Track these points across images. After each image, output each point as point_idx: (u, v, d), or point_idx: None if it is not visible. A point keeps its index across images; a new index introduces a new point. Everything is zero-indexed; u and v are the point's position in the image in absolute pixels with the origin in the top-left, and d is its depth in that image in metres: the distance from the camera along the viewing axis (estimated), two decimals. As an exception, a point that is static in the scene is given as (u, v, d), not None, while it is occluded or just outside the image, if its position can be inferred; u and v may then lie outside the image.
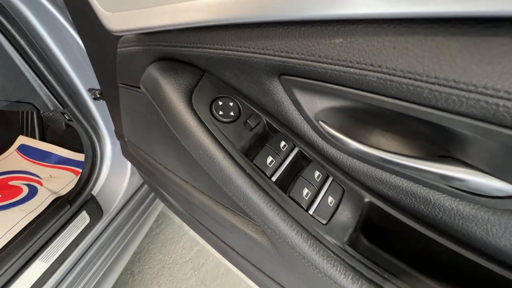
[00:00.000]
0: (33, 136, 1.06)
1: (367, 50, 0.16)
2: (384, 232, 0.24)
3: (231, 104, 0.25)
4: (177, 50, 0.24)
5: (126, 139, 0.44)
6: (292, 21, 0.18)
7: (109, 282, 0.82)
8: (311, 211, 0.22)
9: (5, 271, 0.62)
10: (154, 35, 0.26)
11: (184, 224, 1.10)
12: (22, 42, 0.51)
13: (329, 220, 0.22)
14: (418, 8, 0.13)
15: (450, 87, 0.13)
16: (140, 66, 0.28)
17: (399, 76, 0.15)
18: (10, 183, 0.89)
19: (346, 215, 0.23)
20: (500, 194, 0.16)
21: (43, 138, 1.06)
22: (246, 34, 0.20)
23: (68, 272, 0.72)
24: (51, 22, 0.50)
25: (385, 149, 0.19)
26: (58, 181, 0.90)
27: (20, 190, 0.86)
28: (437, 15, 0.13)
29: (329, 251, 0.21)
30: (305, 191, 0.23)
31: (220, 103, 0.25)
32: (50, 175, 0.93)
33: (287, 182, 0.24)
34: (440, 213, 0.20)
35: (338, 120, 0.21)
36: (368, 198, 0.23)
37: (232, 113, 0.25)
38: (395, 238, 0.24)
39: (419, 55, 0.14)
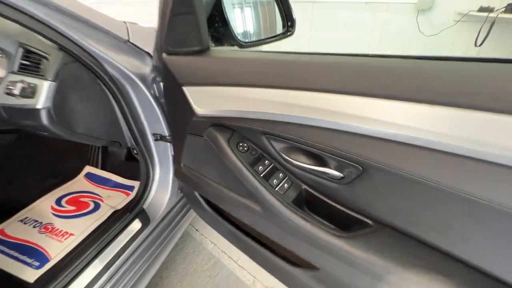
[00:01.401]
0: (96, 165, 1.40)
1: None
2: (309, 203, 0.51)
3: (245, 145, 0.55)
4: (222, 122, 0.56)
5: (182, 164, 0.75)
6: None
7: (144, 282, 1.05)
8: (276, 189, 0.50)
9: (77, 264, 0.80)
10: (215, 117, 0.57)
11: (203, 241, 1.34)
12: (122, 103, 0.84)
13: (284, 193, 0.50)
14: None
15: None
16: (205, 127, 0.59)
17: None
18: (81, 199, 1.20)
19: (292, 193, 0.50)
20: (338, 178, 0.44)
21: (103, 168, 1.40)
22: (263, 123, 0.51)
23: (117, 270, 0.93)
24: (142, 94, 0.85)
25: (304, 163, 0.47)
26: (114, 200, 1.20)
27: (88, 204, 1.17)
28: None
29: (284, 202, 0.48)
30: (275, 181, 0.51)
31: (240, 144, 0.55)
32: (108, 195, 1.23)
33: (268, 177, 0.52)
34: (328, 189, 0.47)
35: (289, 151, 0.50)
36: (303, 186, 0.51)
37: (246, 149, 0.55)
38: (314, 205, 0.50)
39: None
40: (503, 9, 2.57)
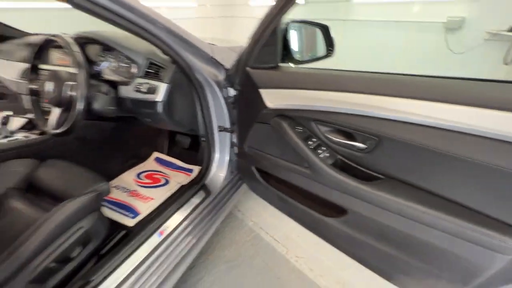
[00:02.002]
0: (162, 152, 1.76)
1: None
2: (341, 168, 0.76)
3: (300, 128, 0.82)
4: (285, 113, 0.83)
5: (246, 146, 1.04)
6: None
7: (203, 242, 1.29)
8: (321, 155, 0.76)
9: (159, 219, 1.06)
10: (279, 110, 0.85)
11: (245, 219, 1.61)
12: (202, 101, 1.15)
13: (325, 159, 0.76)
14: None
15: None
16: (271, 116, 0.87)
17: None
18: (154, 176, 1.54)
19: (330, 160, 0.76)
20: (362, 148, 0.69)
21: (168, 154, 1.75)
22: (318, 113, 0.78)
23: (185, 228, 1.21)
24: (215, 96, 1.15)
25: (339, 139, 0.73)
26: (179, 178, 1.52)
27: (160, 180, 1.50)
28: None
29: (326, 164, 0.74)
30: (319, 152, 0.77)
31: (297, 127, 0.82)
32: (174, 175, 1.57)
33: (315, 149, 0.78)
34: (354, 157, 0.72)
35: (329, 132, 0.77)
36: (338, 156, 0.76)
37: (300, 131, 0.81)
38: (345, 169, 0.75)
39: None
40: (534, 30, 2.65)
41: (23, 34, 1.66)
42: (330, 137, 0.76)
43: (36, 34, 1.63)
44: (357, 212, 0.72)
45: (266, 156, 0.95)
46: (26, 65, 1.37)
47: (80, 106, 0.89)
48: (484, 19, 3.13)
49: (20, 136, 1.23)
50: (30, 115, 1.39)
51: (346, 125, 0.71)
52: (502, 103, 0.48)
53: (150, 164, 1.67)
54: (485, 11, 3.08)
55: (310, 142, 0.79)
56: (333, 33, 0.97)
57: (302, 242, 1.44)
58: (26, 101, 1.38)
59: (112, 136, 1.63)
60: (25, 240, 0.78)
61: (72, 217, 0.86)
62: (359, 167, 0.73)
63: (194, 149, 1.68)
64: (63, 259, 0.85)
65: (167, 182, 1.48)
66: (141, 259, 0.95)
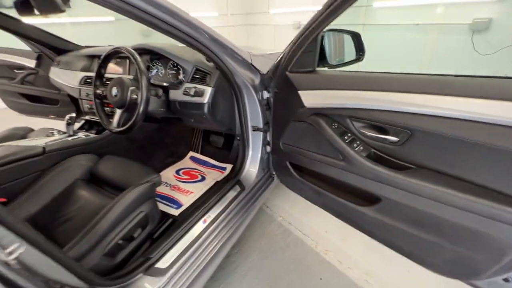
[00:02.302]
0: (197, 151, 1.90)
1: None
2: (375, 160, 0.84)
3: (336, 125, 0.91)
4: (321, 111, 0.93)
5: (281, 143, 1.14)
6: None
7: (237, 234, 1.39)
8: (356, 148, 0.84)
9: (187, 223, 1.14)
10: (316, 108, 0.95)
11: (274, 215, 1.70)
12: (240, 103, 1.27)
13: (360, 152, 0.84)
14: None
15: None
16: (308, 115, 0.97)
17: None
18: (191, 172, 1.68)
19: (364, 153, 0.84)
20: (394, 142, 0.77)
21: (201, 153, 1.89)
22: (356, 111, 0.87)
23: (222, 221, 1.30)
24: (251, 98, 1.27)
25: (372, 133, 0.82)
26: (213, 175, 1.65)
27: (197, 176, 1.64)
28: None
29: (361, 156, 0.83)
30: (354, 145, 0.85)
31: (333, 124, 0.91)
32: (209, 172, 1.70)
33: (350, 143, 0.87)
34: (386, 150, 0.80)
35: (363, 127, 0.85)
36: (372, 150, 0.84)
37: (336, 127, 0.90)
38: (378, 161, 0.83)
39: None
40: None
41: (77, 47, 1.88)
42: (364, 131, 0.85)
43: (89, 47, 1.85)
44: (391, 199, 0.80)
45: (302, 151, 1.05)
46: (86, 74, 1.57)
47: (143, 107, 1.04)
48: (512, 20, 3.06)
49: (81, 135, 1.41)
50: (88, 117, 1.59)
51: (379, 121, 0.79)
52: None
53: (186, 162, 1.81)
54: (514, 11, 3.02)
55: (345, 137, 0.88)
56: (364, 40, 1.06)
57: (330, 237, 1.50)
58: (85, 104, 1.57)
59: (153, 136, 1.80)
60: (100, 220, 0.93)
61: (135, 202, 1.00)
62: (391, 158, 0.81)
63: (227, 149, 1.81)
64: (128, 238, 0.99)
65: (203, 178, 1.62)
66: (189, 242, 1.07)
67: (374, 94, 0.79)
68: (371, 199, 0.88)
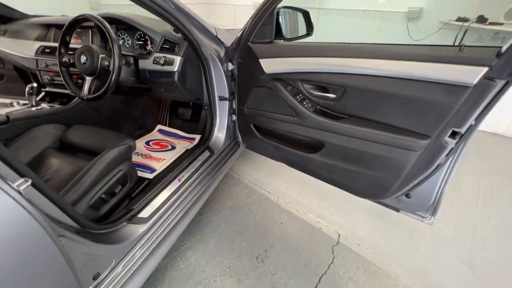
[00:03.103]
0: (164, 124, 1.97)
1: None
2: (320, 113, 1.06)
3: (290, 87, 1.09)
4: (279, 77, 1.11)
5: (246, 107, 1.31)
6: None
7: (207, 194, 1.55)
8: (305, 106, 1.05)
9: (163, 182, 1.29)
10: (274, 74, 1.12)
11: (240, 178, 1.90)
12: (207, 73, 1.39)
13: (310, 107, 1.05)
14: None
15: None
16: (268, 80, 1.14)
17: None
18: (161, 143, 1.76)
19: (312, 108, 1.06)
20: (333, 98, 1.00)
21: (169, 124, 1.96)
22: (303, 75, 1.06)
23: (193, 182, 1.47)
24: (217, 69, 1.39)
25: (317, 92, 1.03)
26: (183, 144, 1.76)
27: (167, 146, 1.73)
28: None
29: (309, 111, 1.05)
30: (304, 103, 1.06)
31: (288, 86, 1.09)
32: (178, 142, 1.80)
33: (301, 102, 1.07)
34: (328, 105, 1.03)
35: (311, 88, 1.06)
36: (318, 106, 1.06)
37: (290, 89, 1.09)
38: (322, 114, 1.06)
39: None
40: (475, 20, 3.13)
41: (25, 15, 1.76)
42: (312, 92, 1.06)
43: (38, 16, 1.74)
44: (331, 142, 1.04)
45: (263, 113, 1.24)
46: (43, 43, 1.51)
47: (115, 74, 1.10)
48: (439, 10, 3.58)
49: (45, 105, 1.39)
50: (48, 88, 1.55)
51: (322, 81, 1.01)
52: (415, 57, 0.80)
53: (155, 134, 1.88)
54: (440, 2, 3.52)
55: (297, 97, 1.08)
56: (312, 18, 1.26)
57: (290, 192, 1.76)
58: (44, 76, 1.53)
59: (120, 108, 1.82)
60: (82, 176, 1.01)
61: (114, 161, 1.09)
62: (331, 112, 1.04)
63: (195, 121, 1.92)
64: (110, 193, 1.09)
65: (174, 148, 1.72)
66: (167, 196, 1.20)
67: (318, 60, 0.99)
68: (317, 147, 1.12)
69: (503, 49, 0.64)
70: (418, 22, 3.81)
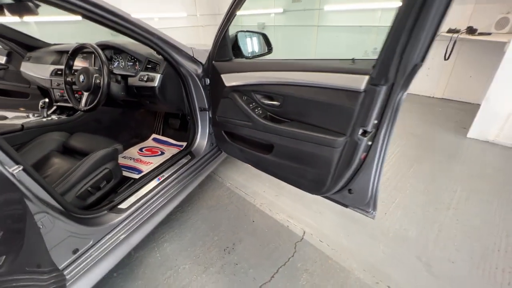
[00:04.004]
0: (158, 133, 2.22)
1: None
2: (269, 118, 1.23)
3: (245, 97, 1.28)
4: (236, 89, 1.30)
5: (217, 116, 1.51)
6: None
7: (187, 191, 1.75)
8: (257, 113, 1.23)
9: (144, 180, 1.56)
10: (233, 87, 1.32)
11: (223, 182, 2.07)
12: (187, 88, 1.62)
13: (260, 115, 1.23)
14: None
15: None
16: (229, 92, 1.34)
17: None
18: (153, 149, 2.00)
19: (263, 115, 1.23)
20: (277, 105, 1.17)
21: (163, 134, 2.21)
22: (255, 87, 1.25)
23: (174, 180, 1.66)
24: (196, 84, 1.62)
25: (266, 101, 1.21)
26: (172, 151, 1.99)
27: (157, 151, 1.96)
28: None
29: (261, 118, 1.21)
30: (256, 111, 1.23)
31: (243, 97, 1.28)
32: (168, 149, 2.03)
33: (254, 110, 1.24)
34: (274, 111, 1.20)
35: (261, 98, 1.24)
36: (268, 113, 1.23)
37: (245, 98, 1.28)
38: (271, 119, 1.23)
39: None
40: (465, 31, 3.20)
41: (46, 44, 2.13)
42: (263, 101, 1.24)
43: (58, 44, 2.10)
44: (279, 143, 1.20)
45: (229, 120, 1.43)
46: (56, 67, 1.83)
47: (105, 89, 1.35)
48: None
49: (54, 117, 1.68)
50: (59, 104, 1.85)
51: (267, 91, 1.19)
52: (325, 69, 0.96)
53: (149, 142, 2.13)
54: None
55: (251, 105, 1.26)
56: (271, 37, 1.46)
57: (266, 195, 1.90)
58: (56, 93, 1.84)
59: (119, 119, 2.09)
60: (73, 171, 1.24)
61: (100, 160, 1.32)
62: (277, 117, 1.21)
63: (184, 130, 2.15)
64: (96, 187, 1.31)
65: (163, 153, 1.95)
66: (146, 192, 1.40)
67: (264, 73, 1.18)
68: (269, 148, 1.28)
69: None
70: (411, 35, 3.89)
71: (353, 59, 0.90)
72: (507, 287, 1.22)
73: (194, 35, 6.49)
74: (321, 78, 0.96)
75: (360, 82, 0.83)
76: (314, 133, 1.03)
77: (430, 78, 3.81)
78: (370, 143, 0.97)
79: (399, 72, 0.75)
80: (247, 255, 1.43)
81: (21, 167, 0.82)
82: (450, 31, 3.29)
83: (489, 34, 2.94)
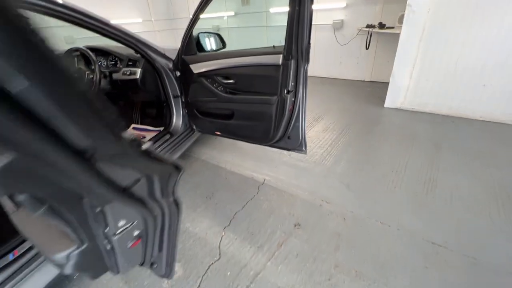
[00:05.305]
0: (137, 122, 2.58)
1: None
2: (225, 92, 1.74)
3: (209, 80, 1.76)
4: (202, 74, 1.78)
5: (189, 98, 1.97)
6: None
7: None
8: (220, 89, 1.74)
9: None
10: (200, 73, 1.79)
11: (198, 157, 2.53)
12: (161, 80, 2.06)
13: (222, 90, 1.73)
14: None
15: None
16: (197, 77, 1.80)
17: None
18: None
19: (225, 90, 1.73)
20: (233, 83, 1.69)
21: (140, 122, 2.57)
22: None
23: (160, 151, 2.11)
24: (168, 76, 2.06)
25: (226, 81, 1.71)
26: (151, 135, 2.38)
27: (140, 137, 2.34)
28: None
29: (223, 92, 1.72)
30: (219, 88, 1.74)
31: (208, 79, 1.76)
32: (148, 134, 2.41)
33: (217, 88, 1.75)
34: (222, 87, 1.72)
35: (222, 78, 1.75)
36: (228, 90, 1.74)
37: (210, 81, 1.77)
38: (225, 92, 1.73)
39: None
40: (377, 26, 4.05)
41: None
42: (223, 81, 1.74)
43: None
44: (237, 109, 1.71)
45: (199, 99, 1.90)
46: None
47: (97, 83, 1.73)
48: (355, 20, 4.50)
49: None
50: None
51: (226, 73, 1.69)
52: (261, 53, 1.50)
53: (129, 132, 2.49)
54: (355, 15, 4.45)
55: (214, 85, 1.76)
56: (226, 38, 1.97)
57: (235, 160, 2.41)
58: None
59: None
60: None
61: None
62: (234, 91, 1.72)
63: (160, 117, 2.55)
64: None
65: (144, 137, 2.34)
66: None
67: (222, 61, 1.68)
68: (231, 115, 1.79)
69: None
70: (341, 31, 4.71)
71: (273, 46, 1.45)
72: (404, 195, 1.90)
73: (151, 40, 6.71)
74: (257, 59, 1.50)
75: (278, 59, 1.39)
76: (258, 96, 1.57)
77: (360, 66, 4.67)
78: (293, 99, 1.54)
79: (298, 51, 1.32)
80: (224, 198, 1.92)
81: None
82: (368, 26, 4.13)
83: (393, 27, 3.81)
